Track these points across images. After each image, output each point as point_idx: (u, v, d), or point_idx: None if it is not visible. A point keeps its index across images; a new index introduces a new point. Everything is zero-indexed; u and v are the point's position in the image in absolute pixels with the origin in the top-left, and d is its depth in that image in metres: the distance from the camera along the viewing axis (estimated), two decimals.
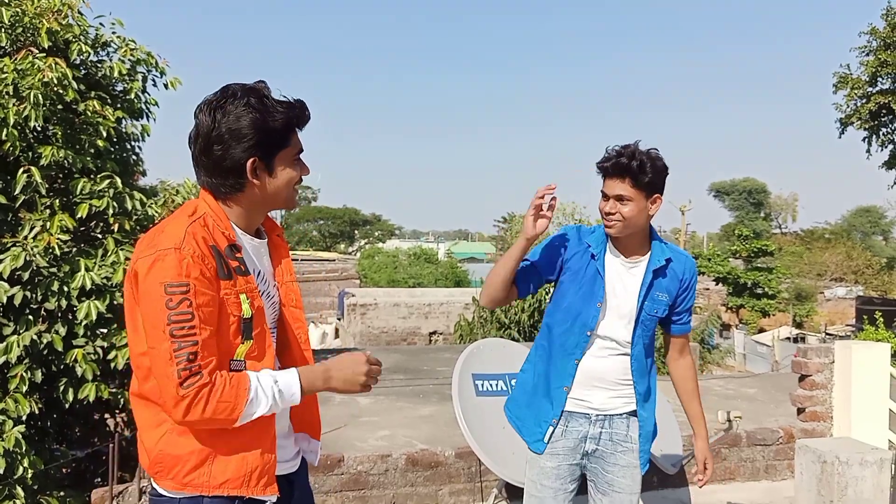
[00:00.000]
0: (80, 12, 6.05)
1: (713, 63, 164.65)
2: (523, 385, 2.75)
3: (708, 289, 36.69)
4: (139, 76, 6.32)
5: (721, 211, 71.01)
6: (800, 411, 4.75)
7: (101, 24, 6.19)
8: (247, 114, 1.67)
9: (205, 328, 1.58)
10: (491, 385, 3.33)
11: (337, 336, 20.41)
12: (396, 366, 9.25)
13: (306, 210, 60.69)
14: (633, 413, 2.62)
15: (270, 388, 1.64)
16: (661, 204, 2.51)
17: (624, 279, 2.57)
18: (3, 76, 5.17)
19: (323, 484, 3.87)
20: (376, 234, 59.66)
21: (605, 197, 2.49)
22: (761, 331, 29.50)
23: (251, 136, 1.67)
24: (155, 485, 1.70)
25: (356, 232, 59.62)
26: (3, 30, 5.44)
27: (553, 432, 2.60)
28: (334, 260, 36.46)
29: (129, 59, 6.22)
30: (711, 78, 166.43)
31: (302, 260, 36.14)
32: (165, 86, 6.52)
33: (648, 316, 2.56)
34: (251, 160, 1.69)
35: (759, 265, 32.62)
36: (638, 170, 2.41)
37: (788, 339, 25.33)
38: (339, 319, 21.14)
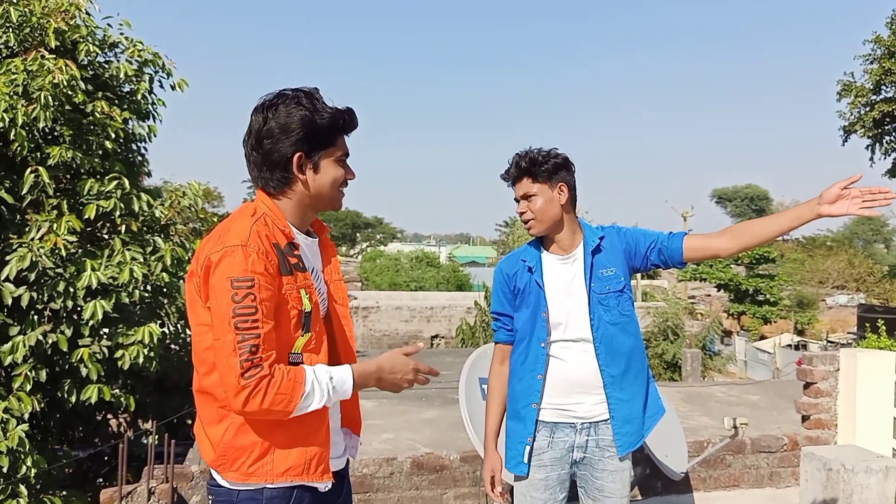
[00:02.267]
0: (87, 13, 6.06)
1: (716, 69, 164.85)
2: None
3: (709, 295, 36.69)
4: (146, 77, 6.33)
5: (723, 217, 71.00)
6: (804, 419, 4.75)
7: (108, 24, 6.21)
8: (297, 111, 1.77)
9: (267, 322, 1.67)
10: None
11: None
12: None
13: None
14: None
15: (326, 384, 1.72)
16: (570, 192, 2.57)
17: (566, 275, 2.60)
18: (13, 76, 5.19)
19: None
20: (378, 237, 59.70)
21: (517, 200, 2.61)
22: (762, 338, 29.49)
23: (298, 131, 1.77)
24: (218, 477, 1.77)
25: (358, 235, 59.66)
26: (11, 29, 5.44)
27: (531, 449, 2.60)
28: None
29: (136, 60, 6.23)
30: (713, 84, 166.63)
31: None
32: (172, 87, 6.53)
33: (602, 295, 2.56)
34: (298, 154, 1.79)
35: (760, 272, 32.61)
36: (531, 164, 2.54)
37: (790, 346, 25.31)
38: None
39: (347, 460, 2.04)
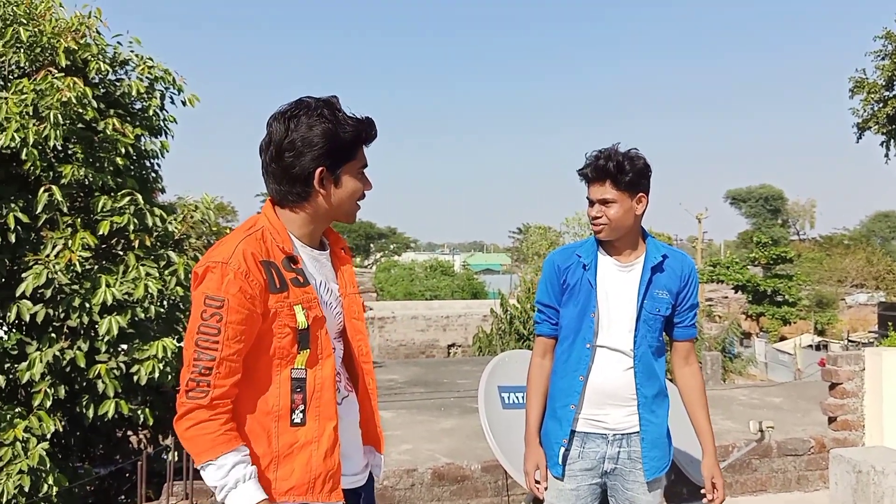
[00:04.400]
0: (98, 31, 6.09)
1: (727, 70, 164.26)
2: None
3: (727, 297, 36.42)
4: (157, 93, 6.35)
5: (738, 218, 70.70)
6: (831, 420, 4.66)
7: (118, 42, 6.23)
8: (319, 124, 1.72)
9: (229, 345, 1.64)
10: (517, 398, 3.28)
11: None
12: (415, 379, 9.22)
13: None
14: None
15: (225, 482, 1.62)
16: (647, 203, 2.51)
17: (620, 282, 2.54)
18: (23, 96, 5.21)
19: None
20: (392, 247, 59.79)
21: (591, 203, 2.51)
22: (782, 339, 29.23)
23: (322, 146, 1.73)
24: None
25: (372, 245, 59.79)
26: (22, 50, 5.47)
27: (565, 453, 2.54)
28: None
29: (146, 77, 6.25)
30: (726, 85, 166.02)
31: None
32: (183, 103, 6.54)
33: (650, 315, 2.51)
34: (319, 169, 1.74)
35: (778, 272, 32.35)
36: (616, 170, 2.42)
37: (810, 346, 25.07)
38: None
39: (373, 480, 2.00)
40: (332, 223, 1.91)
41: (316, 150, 1.72)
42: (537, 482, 2.59)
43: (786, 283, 31.25)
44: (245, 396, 1.71)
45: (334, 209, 1.81)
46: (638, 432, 2.52)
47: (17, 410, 5.13)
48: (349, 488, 1.83)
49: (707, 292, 35.89)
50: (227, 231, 7.30)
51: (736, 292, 32.95)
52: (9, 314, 5.08)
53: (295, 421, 1.72)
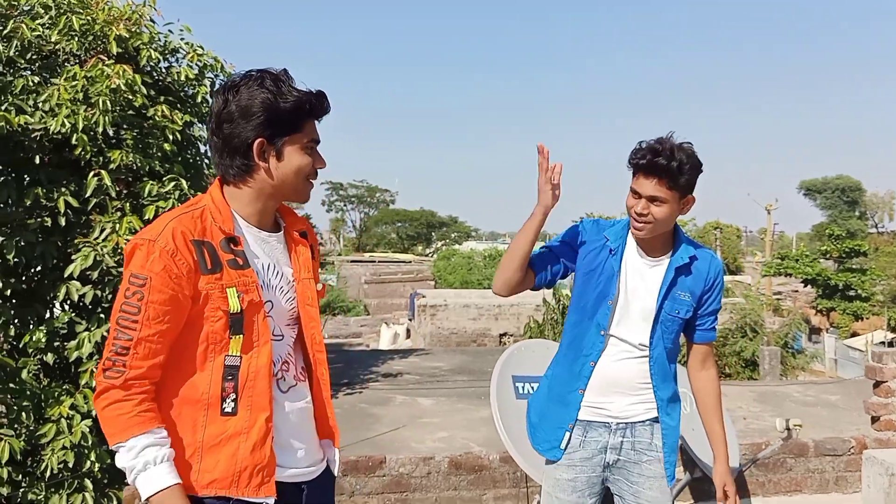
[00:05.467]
0: (151, 20, 6.25)
1: (804, 56, 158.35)
2: (541, 390, 2.64)
3: (796, 291, 35.26)
4: (206, 80, 6.47)
5: (812, 210, 68.37)
6: (874, 420, 4.45)
7: (169, 31, 6.38)
8: (259, 93, 1.68)
9: (148, 325, 1.60)
10: (532, 387, 3.23)
11: (408, 337, 20.57)
12: (460, 367, 9.21)
13: (384, 213, 61.59)
14: (656, 419, 2.46)
15: (133, 464, 1.57)
16: (694, 205, 2.37)
17: (644, 277, 2.43)
18: (74, 83, 5.38)
19: (364, 486, 3.86)
20: (453, 235, 59.90)
21: (636, 195, 2.34)
22: (854, 335, 28.13)
23: (260, 115, 1.68)
24: None
25: (433, 234, 60.03)
26: (75, 38, 5.64)
27: (570, 439, 2.46)
28: (410, 262, 36.85)
29: (196, 65, 6.38)
30: (803, 72, 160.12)
31: (379, 261, 36.67)
32: None
33: (669, 316, 2.41)
34: (259, 140, 1.69)
35: (851, 266, 31.12)
36: (677, 171, 2.25)
37: (883, 343, 24.08)
38: (410, 320, 21.30)
39: (331, 477, 1.93)
40: (282, 202, 1.85)
41: (254, 119, 1.67)
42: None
43: (859, 278, 30.01)
44: (173, 382, 1.66)
45: (279, 185, 1.75)
46: (644, 421, 2.45)
47: (64, 388, 5.34)
48: (291, 482, 1.78)
49: (775, 285, 34.83)
50: None
51: (805, 286, 31.85)
52: (58, 294, 5.29)
53: (225, 410, 1.66)
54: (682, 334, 2.53)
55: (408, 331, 20.95)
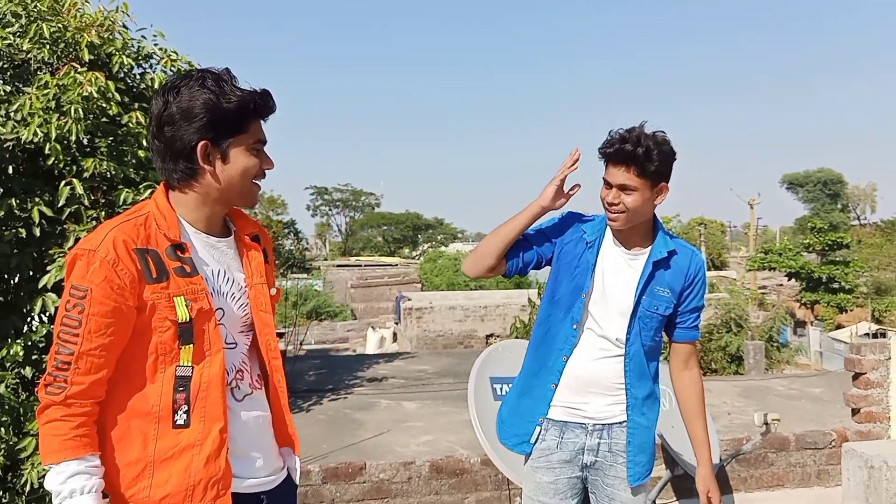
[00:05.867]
0: (124, 26, 6.18)
1: (784, 50, 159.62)
2: (514, 387, 2.60)
3: (781, 284, 35.46)
4: None
5: (795, 204, 68.82)
6: (854, 412, 4.46)
7: (143, 36, 6.31)
8: (200, 94, 1.63)
9: (91, 339, 1.54)
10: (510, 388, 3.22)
11: (395, 340, 20.52)
12: (446, 370, 9.16)
13: (370, 216, 61.52)
14: None
15: (60, 490, 1.53)
16: (668, 193, 2.33)
17: (622, 271, 2.40)
18: (46, 91, 5.31)
19: (344, 492, 3.82)
20: (439, 237, 59.87)
21: (608, 185, 2.31)
22: (839, 327, 28.31)
23: (202, 116, 1.62)
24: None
25: (419, 236, 59.99)
26: (46, 45, 5.58)
27: (540, 434, 2.43)
28: (396, 265, 36.77)
29: (170, 70, 6.31)
30: (783, 66, 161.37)
31: (365, 265, 36.59)
32: None
33: (647, 312, 2.37)
34: (202, 142, 1.64)
35: (834, 259, 31.34)
36: (644, 157, 2.22)
37: (867, 335, 24.24)
38: (396, 324, 21.25)
39: (292, 486, 1.89)
40: (230, 206, 1.79)
41: (197, 121, 1.62)
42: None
43: (842, 270, 30.23)
44: (123, 395, 1.61)
45: (225, 188, 1.69)
46: (620, 423, 2.40)
47: None
48: (249, 493, 1.74)
49: (760, 280, 35.02)
50: (280, 224, 7.38)
51: (789, 279, 32.03)
52: (35, 307, 5.21)
53: (178, 423, 1.62)
54: (664, 333, 2.49)
55: (394, 334, 20.90)
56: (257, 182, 1.74)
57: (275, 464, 1.83)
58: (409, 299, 19.15)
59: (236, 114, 1.65)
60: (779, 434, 4.04)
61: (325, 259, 47.83)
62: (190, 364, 1.63)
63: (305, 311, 27.16)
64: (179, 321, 1.61)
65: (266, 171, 1.76)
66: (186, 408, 1.62)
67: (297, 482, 1.92)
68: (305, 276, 41.34)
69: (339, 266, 37.66)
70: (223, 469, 1.65)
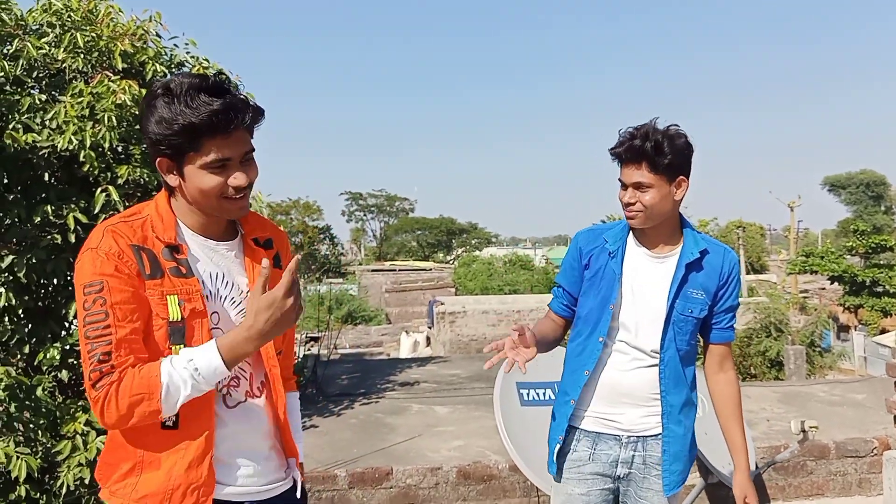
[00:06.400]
0: (157, 34, 6.27)
1: (825, 52, 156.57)
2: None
3: (823, 288, 34.71)
4: None
5: (837, 206, 67.39)
6: None
7: (175, 45, 6.39)
8: (153, 112, 1.61)
9: (122, 326, 1.54)
10: (537, 394, 3.16)
11: (428, 344, 20.49)
12: (478, 374, 9.11)
13: (404, 221, 61.73)
14: None
15: (185, 368, 1.55)
16: (688, 187, 2.25)
17: (651, 275, 2.32)
18: (80, 100, 5.40)
19: (371, 498, 3.80)
20: (473, 242, 59.81)
21: (623, 186, 2.26)
22: (883, 331, 27.58)
23: (152, 135, 1.62)
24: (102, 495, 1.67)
25: (453, 241, 59.99)
26: (80, 55, 5.67)
27: (563, 451, 2.38)
28: (430, 269, 36.79)
29: None
30: (823, 67, 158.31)
31: (399, 270, 36.68)
32: None
33: (682, 317, 2.29)
34: (158, 159, 1.67)
35: (878, 262, 30.55)
36: (654, 152, 2.16)
37: None
38: (429, 328, 21.22)
39: (293, 491, 1.86)
40: (216, 217, 1.74)
41: (150, 138, 1.62)
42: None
43: (886, 273, 29.46)
44: None
45: (194, 203, 1.68)
46: (655, 436, 2.33)
47: (79, 404, 5.34)
48: (230, 500, 1.71)
49: (802, 283, 34.31)
50: (316, 230, 7.43)
51: (832, 283, 31.31)
52: (71, 311, 5.29)
53: (167, 424, 1.61)
54: (700, 333, 2.42)
55: (427, 339, 20.86)
56: (231, 197, 1.67)
57: (272, 474, 1.80)
58: (442, 303, 19.09)
59: (179, 136, 1.59)
60: (818, 441, 3.92)
61: (360, 264, 48.08)
62: None
63: (340, 315, 27.30)
64: (171, 320, 1.61)
65: (240, 187, 1.66)
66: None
67: (299, 493, 1.87)
68: (341, 280, 41.64)
69: (373, 271, 37.81)
70: (205, 476, 1.64)
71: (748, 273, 32.13)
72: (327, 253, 55.78)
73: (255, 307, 1.57)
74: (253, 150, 1.70)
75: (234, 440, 1.72)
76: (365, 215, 64.25)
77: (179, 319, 1.61)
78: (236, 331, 1.60)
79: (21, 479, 4.72)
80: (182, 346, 1.62)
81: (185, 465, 1.61)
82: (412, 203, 64.38)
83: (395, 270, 37.11)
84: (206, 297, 1.68)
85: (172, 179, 1.65)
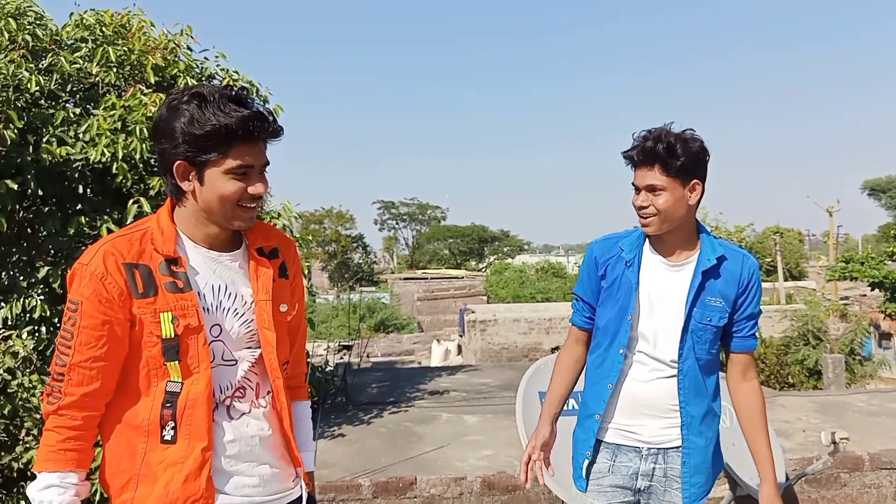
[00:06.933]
0: (188, 48, 6.38)
1: (861, 52, 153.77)
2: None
3: (864, 295, 33.94)
4: None
5: (877, 210, 66.00)
6: None
7: (205, 57, 6.50)
8: (180, 115, 1.63)
9: (82, 351, 1.58)
10: None
11: (459, 353, 20.46)
12: (508, 383, 9.06)
13: (436, 229, 61.81)
14: None
15: (42, 497, 1.59)
16: (703, 191, 2.22)
17: (667, 283, 2.28)
18: (113, 113, 5.50)
19: None
20: (505, 249, 59.70)
21: (637, 190, 2.23)
22: None
23: (178, 137, 1.63)
24: None
25: (485, 249, 59.93)
26: (113, 69, 5.78)
27: (590, 465, 2.34)
28: (462, 277, 36.80)
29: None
30: (861, 68, 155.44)
31: (431, 278, 36.75)
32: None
33: (700, 325, 2.25)
34: (177, 162, 1.65)
35: None
36: (666, 154, 2.14)
37: None
38: (460, 336, 21.20)
39: (300, 501, 1.86)
40: (222, 226, 1.74)
41: (174, 141, 1.62)
42: (534, 463, 2.39)
43: None
44: (120, 407, 1.64)
45: (206, 210, 1.68)
46: (676, 448, 2.29)
47: None
48: None
49: (842, 290, 33.60)
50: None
51: (873, 290, 30.61)
52: None
53: (165, 438, 1.63)
54: (720, 341, 2.36)
55: (459, 347, 20.85)
56: (246, 205, 1.69)
57: (278, 483, 1.81)
58: (473, 312, 19.06)
59: (210, 138, 1.61)
60: (851, 453, 3.82)
61: (392, 272, 48.24)
62: (180, 380, 1.65)
63: (373, 323, 27.41)
64: (164, 337, 1.62)
65: (257, 196, 1.69)
66: (173, 424, 1.64)
67: (306, 503, 1.87)
68: (373, 289, 41.82)
69: (405, 279, 37.93)
70: (203, 489, 1.65)
71: (786, 280, 31.54)
72: (360, 261, 56.11)
73: None
74: (268, 163, 1.73)
75: (237, 451, 1.72)
76: (397, 224, 64.54)
77: (172, 336, 1.63)
78: None
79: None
80: (177, 362, 1.63)
81: (182, 479, 1.63)
82: (444, 211, 64.55)
83: (427, 279, 37.19)
84: (206, 310, 1.68)
85: (187, 185, 1.66)
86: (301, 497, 1.86)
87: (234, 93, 1.67)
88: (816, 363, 13.39)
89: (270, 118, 1.69)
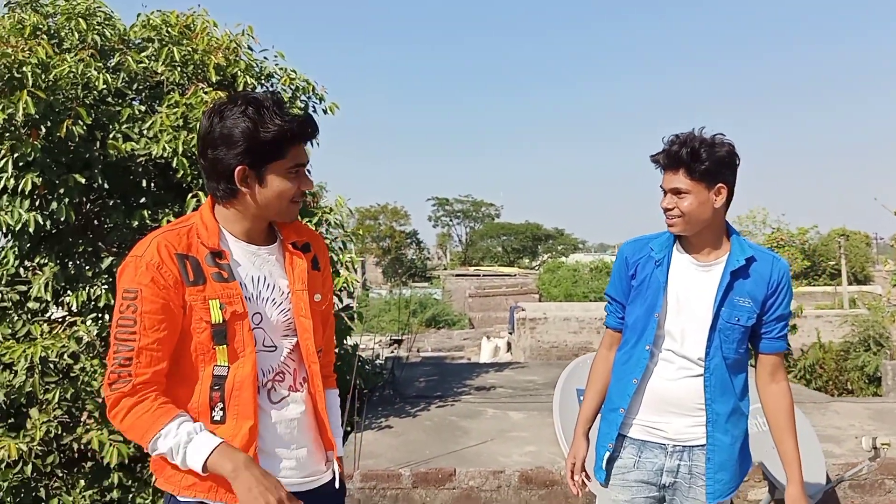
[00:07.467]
0: (249, 47, 6.58)
1: None
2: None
3: None
4: (299, 102, 6.73)
5: None
6: None
7: (265, 57, 6.69)
8: (240, 121, 1.73)
9: (146, 335, 1.68)
10: None
11: (509, 350, 20.48)
12: (555, 381, 9.03)
13: (489, 227, 61.74)
14: None
15: (178, 441, 1.65)
16: (730, 195, 2.28)
17: (696, 284, 2.33)
18: (175, 110, 5.72)
19: (434, 498, 3.89)
20: (559, 248, 59.30)
21: (664, 192, 2.30)
22: None
23: (241, 144, 1.72)
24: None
25: (539, 247, 59.62)
26: (177, 68, 6.00)
27: (611, 458, 2.40)
28: (515, 275, 36.72)
29: (289, 88, 6.65)
30: None
31: (483, 275, 36.80)
32: (325, 111, 6.91)
33: (728, 324, 2.29)
34: (239, 168, 1.74)
35: None
36: (690, 158, 2.21)
37: None
38: (510, 333, 21.21)
39: (331, 486, 1.96)
40: (268, 221, 1.89)
41: (236, 147, 1.72)
42: (573, 476, 2.53)
43: None
44: (170, 393, 1.73)
45: (263, 208, 1.80)
46: (702, 446, 2.33)
47: None
48: (294, 492, 1.78)
49: None
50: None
51: None
52: None
53: (215, 418, 1.73)
54: (750, 342, 2.40)
55: (508, 344, 20.87)
56: (296, 201, 1.84)
57: (312, 466, 1.92)
58: (523, 309, 19.07)
59: (273, 142, 1.74)
60: (894, 459, 3.75)
61: (445, 268, 48.40)
62: (226, 364, 1.75)
63: (424, 319, 27.62)
64: (213, 322, 1.73)
65: (307, 190, 1.87)
66: (222, 405, 1.74)
67: (338, 485, 1.98)
68: (426, 284, 42.03)
69: (458, 275, 38.05)
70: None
71: (850, 284, 30.60)
72: (413, 257, 56.45)
73: (251, 481, 1.61)
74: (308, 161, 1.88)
75: (277, 433, 1.83)
76: (451, 220, 64.69)
77: (221, 322, 1.74)
78: (235, 456, 1.65)
79: (113, 466, 5.01)
80: (225, 346, 1.74)
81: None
82: (498, 208, 64.43)
83: (479, 276, 37.25)
84: (248, 299, 1.80)
85: (246, 188, 1.76)
86: (332, 480, 1.97)
87: (278, 98, 1.81)
88: (876, 370, 13.04)
89: (313, 119, 1.85)
